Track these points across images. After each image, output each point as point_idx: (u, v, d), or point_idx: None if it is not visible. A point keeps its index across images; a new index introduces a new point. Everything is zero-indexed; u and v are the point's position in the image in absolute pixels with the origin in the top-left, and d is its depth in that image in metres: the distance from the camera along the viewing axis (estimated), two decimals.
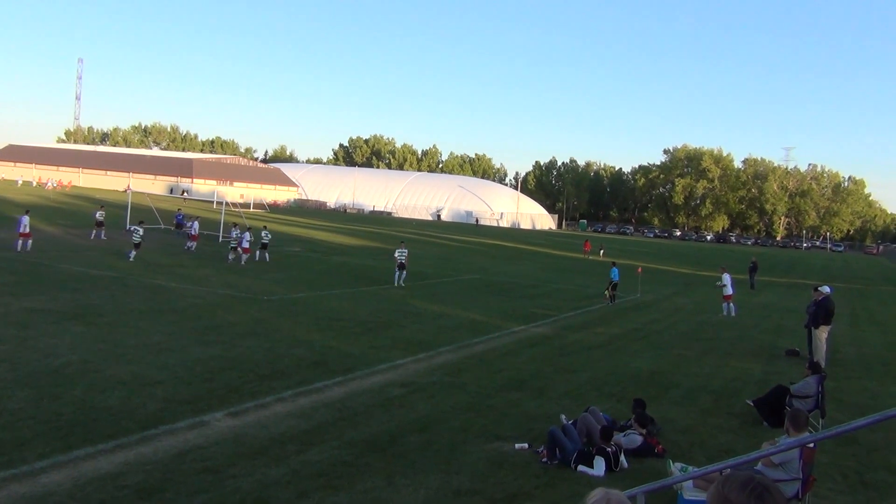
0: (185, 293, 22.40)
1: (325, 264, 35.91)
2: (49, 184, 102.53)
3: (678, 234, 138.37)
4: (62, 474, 8.26)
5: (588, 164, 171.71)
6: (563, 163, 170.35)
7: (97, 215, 38.22)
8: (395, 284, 29.06)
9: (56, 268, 25.66)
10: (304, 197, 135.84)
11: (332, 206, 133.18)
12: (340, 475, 8.89)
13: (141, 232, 30.93)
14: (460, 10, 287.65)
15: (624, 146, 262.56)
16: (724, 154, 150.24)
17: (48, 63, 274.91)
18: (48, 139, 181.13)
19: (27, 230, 29.84)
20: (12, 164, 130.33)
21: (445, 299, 26.57)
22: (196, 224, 37.07)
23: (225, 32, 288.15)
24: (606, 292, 29.41)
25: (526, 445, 10.31)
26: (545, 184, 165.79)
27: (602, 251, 59.75)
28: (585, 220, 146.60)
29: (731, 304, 27.46)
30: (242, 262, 32.08)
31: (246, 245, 32.47)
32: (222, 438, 9.85)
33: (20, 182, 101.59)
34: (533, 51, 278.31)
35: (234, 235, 33.15)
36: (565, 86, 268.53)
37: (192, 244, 35.83)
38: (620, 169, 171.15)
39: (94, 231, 37.21)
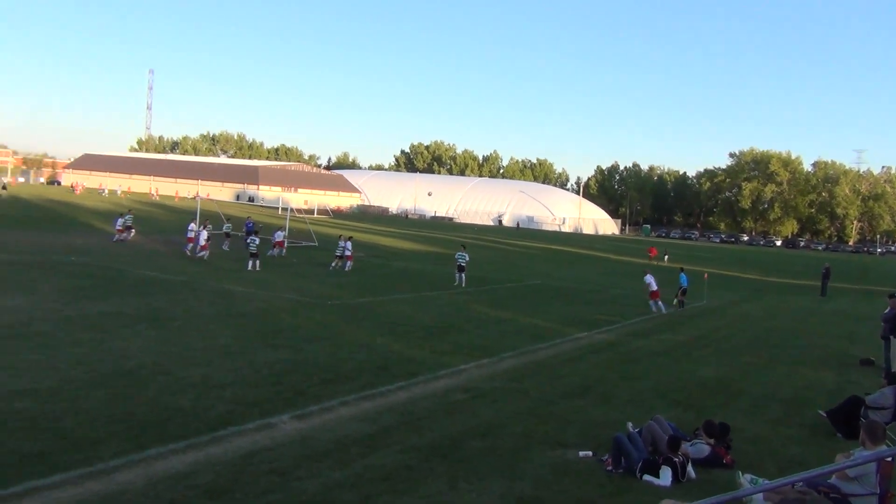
0: (251, 297, 22.86)
1: (387, 269, 36.22)
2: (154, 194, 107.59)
3: (745, 238, 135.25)
4: (135, 473, 8.50)
5: (651, 169, 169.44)
6: (625, 167, 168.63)
7: (224, 228, 39.77)
8: (456, 284, 29.77)
9: (130, 272, 26.48)
10: (366, 203, 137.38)
11: (394, 212, 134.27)
12: (404, 479, 8.93)
13: (257, 241, 31.91)
14: (521, 16, 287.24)
15: (688, 150, 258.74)
16: (793, 157, 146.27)
17: (121, 74, 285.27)
18: (121, 148, 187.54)
19: (201, 241, 32.92)
20: (87, 172, 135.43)
21: (507, 304, 26.49)
22: (281, 232, 38.30)
23: (290, 42, 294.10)
24: (676, 298, 28.95)
25: (590, 453, 10.17)
26: (608, 188, 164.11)
27: (666, 256, 58.84)
28: (649, 225, 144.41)
29: (654, 302, 27.30)
30: (347, 269, 33.20)
31: (349, 252, 33.77)
32: (288, 441, 10.01)
33: (105, 192, 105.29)
34: (595, 54, 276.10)
35: (341, 244, 34.21)
36: (627, 90, 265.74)
37: (277, 250, 36.97)
38: (685, 173, 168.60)
39: (225, 242, 38.63)
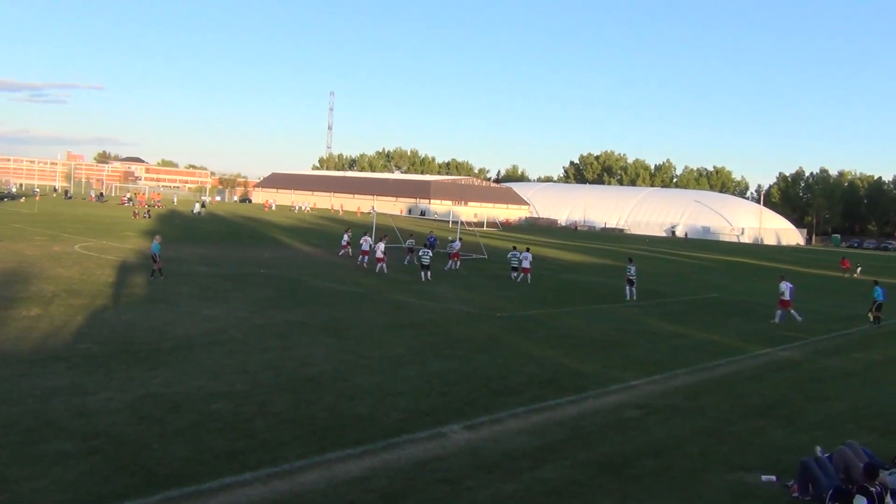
0: (423, 309, 23.49)
1: (555, 282, 35.98)
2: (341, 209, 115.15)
3: None
4: (317, 474, 9.00)
5: (841, 174, 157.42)
6: (811, 173, 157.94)
7: (406, 244, 41.53)
8: (627, 299, 29.21)
9: (309, 284, 28.03)
10: (534, 215, 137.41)
11: (563, 224, 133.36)
12: (573, 494, 8.84)
13: (430, 254, 32.93)
14: (689, 21, 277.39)
15: (883, 152, 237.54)
16: None
17: (305, 98, 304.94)
18: (305, 167, 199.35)
19: (378, 254, 33.92)
20: (275, 190, 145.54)
21: (681, 318, 25.54)
22: (458, 243, 39.16)
23: (461, 61, 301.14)
24: (870, 314, 26.73)
25: (774, 478, 9.62)
26: (791, 197, 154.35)
27: (859, 269, 54.37)
28: (839, 235, 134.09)
29: (782, 311, 25.62)
30: (528, 280, 33.44)
31: (527, 265, 34.01)
32: (459, 450, 10.20)
33: (297, 209, 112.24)
34: (775, 53, 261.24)
35: (518, 256, 34.79)
36: (812, 90, 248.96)
37: (451, 262, 37.71)
38: (880, 178, 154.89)
39: (407, 257, 40.11)
